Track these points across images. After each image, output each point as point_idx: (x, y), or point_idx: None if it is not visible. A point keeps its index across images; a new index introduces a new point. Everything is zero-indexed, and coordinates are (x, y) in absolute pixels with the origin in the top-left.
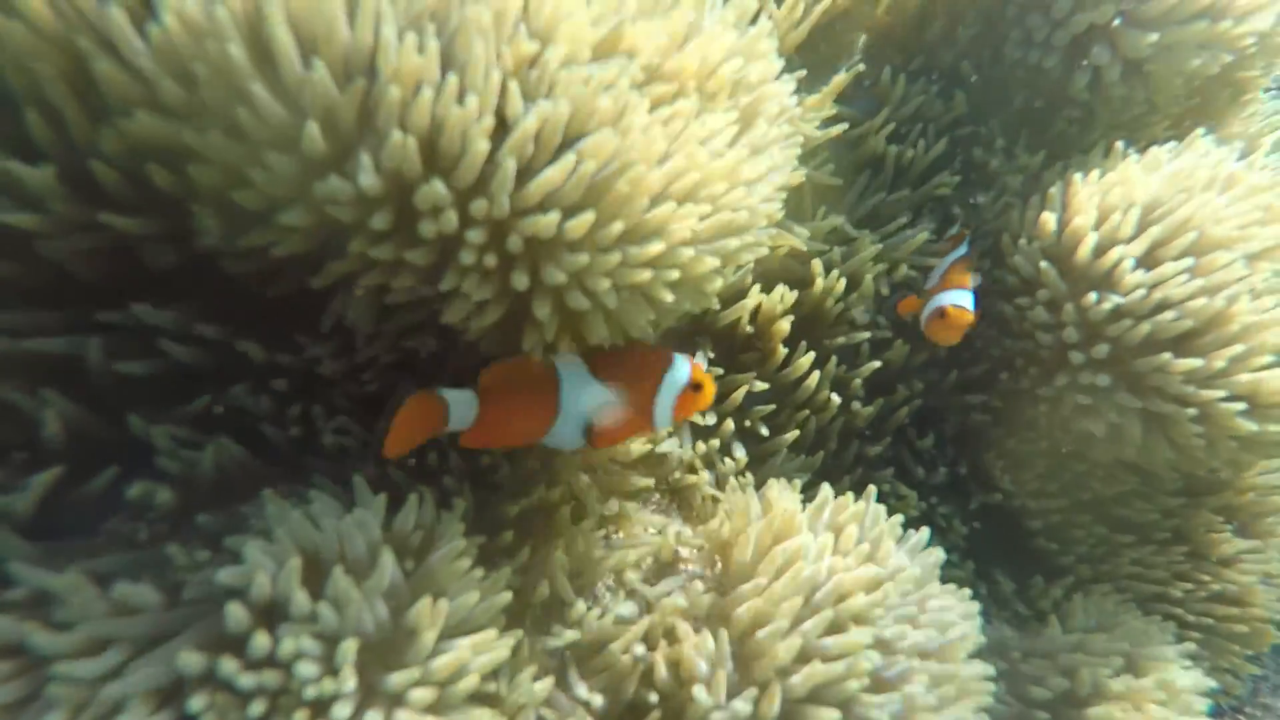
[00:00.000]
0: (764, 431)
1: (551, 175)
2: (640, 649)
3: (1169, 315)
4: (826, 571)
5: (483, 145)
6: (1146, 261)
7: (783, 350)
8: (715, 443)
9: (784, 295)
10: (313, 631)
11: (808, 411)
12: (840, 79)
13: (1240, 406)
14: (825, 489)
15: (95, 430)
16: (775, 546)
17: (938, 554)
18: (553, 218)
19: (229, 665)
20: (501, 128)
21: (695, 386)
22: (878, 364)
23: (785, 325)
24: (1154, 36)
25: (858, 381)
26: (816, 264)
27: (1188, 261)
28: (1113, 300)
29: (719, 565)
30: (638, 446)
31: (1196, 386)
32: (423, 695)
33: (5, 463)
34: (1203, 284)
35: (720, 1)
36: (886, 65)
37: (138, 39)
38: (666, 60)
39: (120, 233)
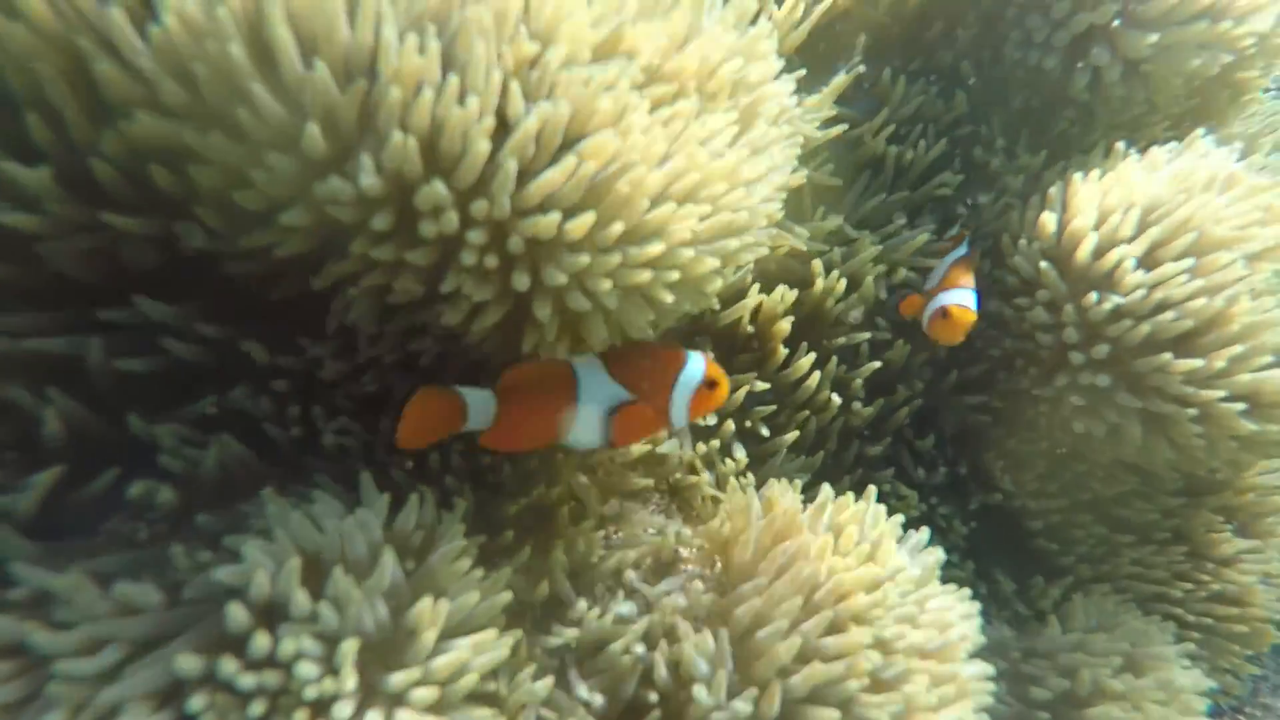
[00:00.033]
0: (764, 432)
1: (552, 176)
2: (640, 648)
3: (1169, 315)
4: (826, 572)
5: (484, 146)
6: (1146, 262)
7: (783, 350)
8: (716, 443)
9: (784, 295)
10: (313, 631)
11: (808, 412)
12: (840, 80)
13: (1240, 406)
14: (825, 489)
15: (96, 430)
16: (776, 546)
17: (938, 554)
18: (553, 218)
19: (229, 665)
20: (502, 128)
21: (710, 384)
22: (878, 364)
23: (786, 325)
24: (1154, 37)
25: (858, 382)
26: (817, 264)
27: (1188, 262)
28: (1113, 300)
29: (719, 565)
30: (638, 446)
31: (1197, 387)
32: (423, 695)
33: (5, 463)
34: (1203, 284)
35: (720, 2)
36: (886, 66)
37: (138, 39)
38: (667, 61)
39: (120, 234)
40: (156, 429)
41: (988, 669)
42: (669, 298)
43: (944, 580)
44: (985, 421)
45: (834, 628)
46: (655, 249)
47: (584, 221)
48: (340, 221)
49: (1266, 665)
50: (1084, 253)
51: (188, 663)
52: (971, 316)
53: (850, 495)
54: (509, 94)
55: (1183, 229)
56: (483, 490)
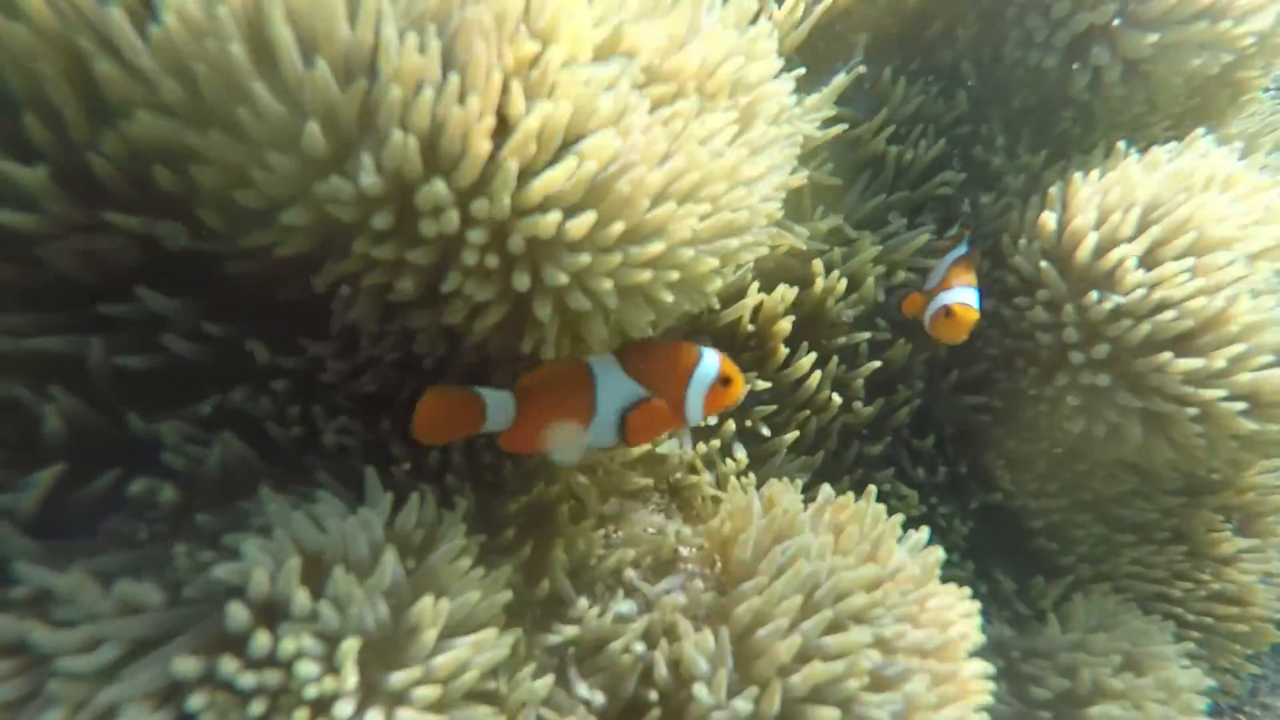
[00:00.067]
0: (765, 431)
1: (553, 175)
2: (640, 647)
3: (1169, 315)
4: (827, 571)
5: (484, 145)
6: (1146, 261)
7: (784, 350)
8: (716, 443)
9: (785, 294)
10: (314, 630)
11: (808, 411)
12: (840, 80)
13: (1241, 406)
14: (826, 489)
15: (96, 428)
16: (776, 545)
17: (938, 553)
18: (554, 218)
19: (229, 665)
20: (502, 128)
21: (725, 380)
22: (878, 364)
23: (786, 325)
24: (1154, 37)
25: (859, 381)
26: (817, 264)
27: (1188, 261)
28: (1113, 300)
29: (719, 564)
30: (638, 445)
31: (1197, 386)
32: (424, 694)
33: (5, 461)
34: (1203, 284)
35: (720, 2)
36: (886, 65)
37: (138, 39)
38: (667, 61)
39: (121, 234)
40: (160, 426)
41: (988, 668)
42: (669, 297)
43: (944, 579)
44: (985, 421)
45: (834, 627)
46: (656, 248)
47: (584, 221)
48: (341, 220)
49: (1266, 664)
50: (1084, 252)
51: (185, 665)
52: (974, 315)
53: (850, 495)
54: (511, 93)
55: (1183, 228)
56: (483, 489)
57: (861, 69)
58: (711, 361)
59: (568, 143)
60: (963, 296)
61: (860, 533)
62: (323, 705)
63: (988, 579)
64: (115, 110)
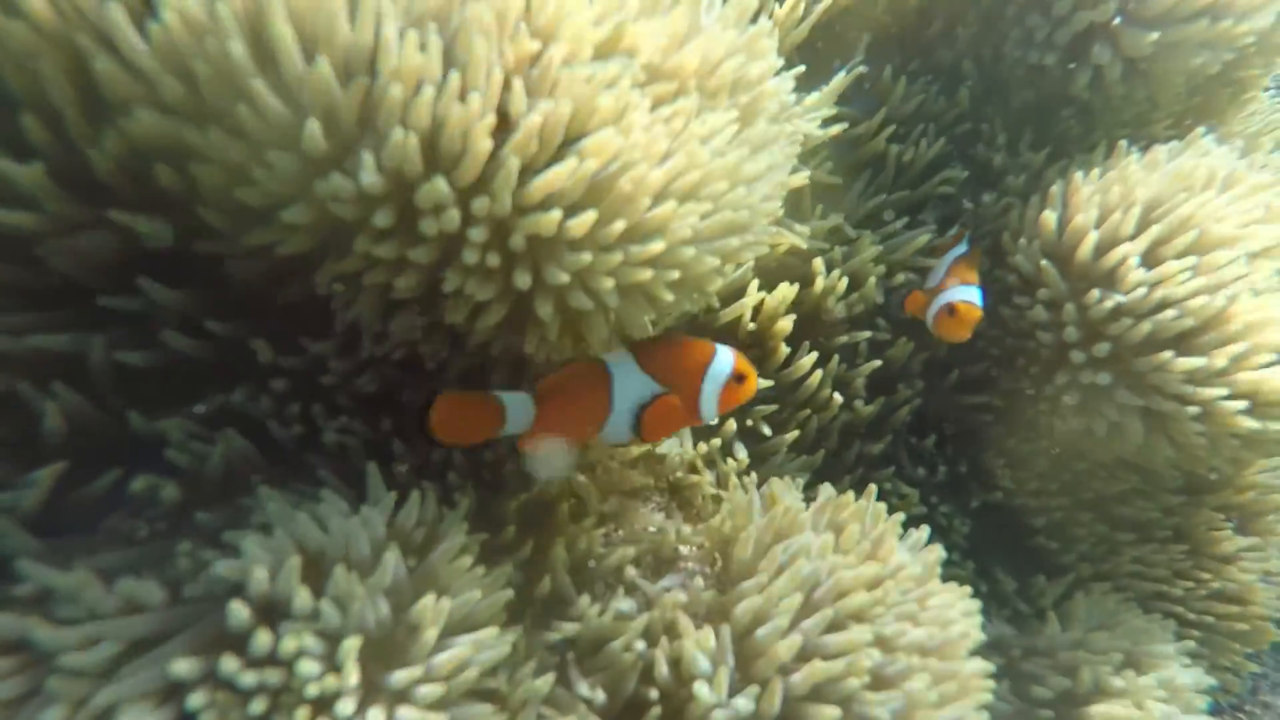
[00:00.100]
0: (766, 431)
1: (554, 174)
2: (641, 645)
3: (1170, 314)
4: (827, 569)
5: (486, 143)
6: (1147, 260)
7: (785, 349)
8: (717, 442)
9: (786, 293)
10: (315, 629)
11: (809, 410)
12: (841, 79)
13: (1241, 405)
14: (827, 487)
15: (97, 425)
16: (777, 544)
17: (938, 551)
18: (555, 216)
19: (230, 663)
20: (502, 126)
21: (739, 377)
22: (878, 363)
23: (787, 324)
24: (1155, 35)
25: (860, 381)
26: (818, 263)
27: (1189, 260)
28: (1114, 299)
29: (719, 563)
30: (638, 445)
31: (1197, 385)
32: (425, 692)
33: (6, 459)
34: (1204, 282)
35: (720, 1)
36: (886, 65)
37: (138, 37)
38: (668, 59)
39: (117, 233)
40: (166, 423)
41: (989, 667)
42: (670, 296)
43: (945, 578)
44: (986, 420)
45: (835, 625)
46: (656, 247)
47: (585, 220)
48: (342, 219)
49: (1266, 663)
50: (1085, 251)
51: (183, 666)
52: (978, 313)
53: (851, 493)
54: (512, 91)
55: (1184, 227)
56: (484, 487)
57: (862, 69)
58: (726, 358)
59: (568, 141)
60: (966, 294)
61: (861, 531)
62: (324, 704)
63: (988, 578)
64: (115, 109)
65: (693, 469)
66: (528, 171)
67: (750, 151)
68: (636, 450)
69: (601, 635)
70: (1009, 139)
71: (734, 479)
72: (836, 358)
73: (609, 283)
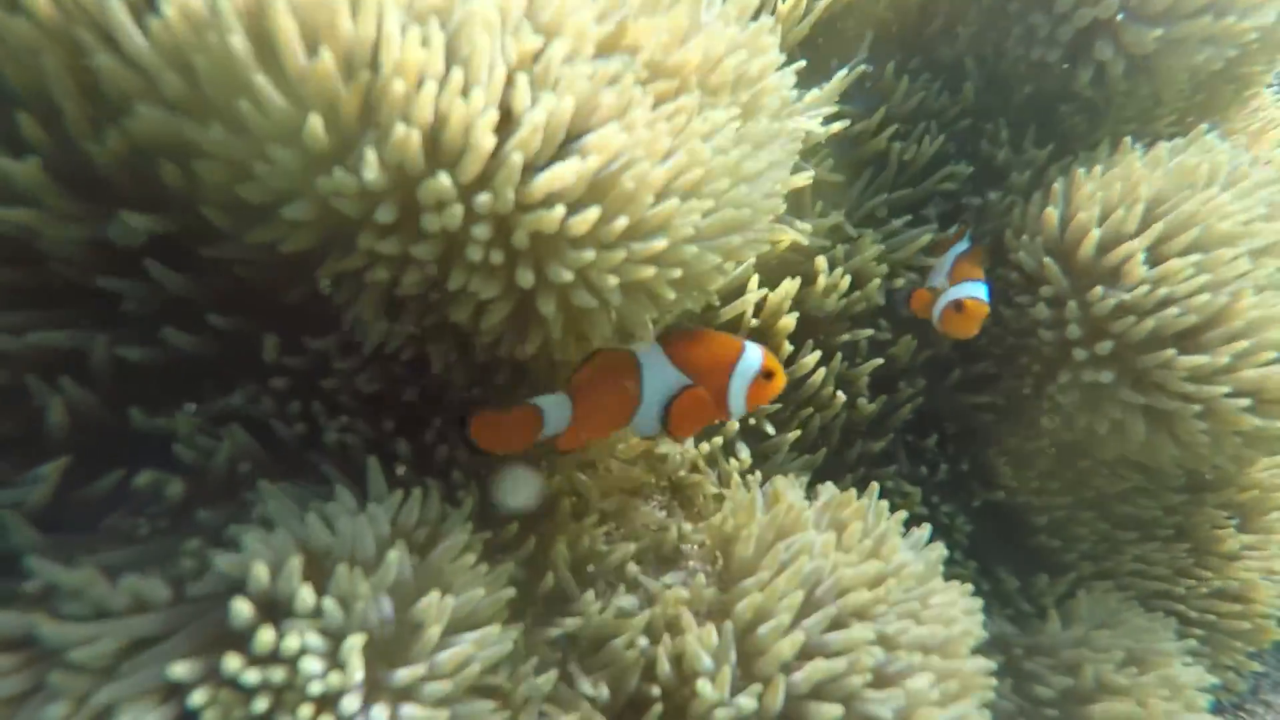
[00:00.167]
0: (769, 429)
1: (557, 171)
2: (643, 641)
3: (1173, 311)
4: (829, 567)
5: (488, 140)
6: (1150, 257)
7: (788, 347)
8: (719, 440)
9: (788, 290)
10: (318, 626)
11: (811, 409)
12: (843, 77)
13: (1245, 402)
14: (829, 486)
15: (100, 422)
16: (779, 542)
17: (940, 550)
18: (557, 213)
19: (233, 661)
20: (505, 122)
21: (768, 374)
22: (880, 361)
23: (790, 321)
24: (1158, 31)
25: (863, 379)
26: (820, 260)
27: (1193, 257)
28: (1116, 296)
29: (721, 561)
30: (638, 442)
31: (1200, 383)
32: (429, 690)
33: (8, 455)
34: (1207, 280)
35: None
36: (888, 62)
37: (138, 31)
38: (669, 56)
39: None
40: (175, 418)
41: (990, 665)
42: (672, 294)
43: (946, 577)
44: (987, 419)
45: (837, 623)
46: (659, 245)
47: (588, 217)
48: (344, 215)
49: (1268, 661)
50: (1088, 248)
51: (182, 668)
52: (985, 309)
53: (853, 492)
54: (516, 87)
55: (1187, 224)
56: (486, 485)
57: (864, 68)
58: (755, 354)
59: (571, 138)
60: (972, 291)
61: (863, 530)
62: (328, 701)
63: (990, 576)
64: (116, 105)
65: (694, 468)
66: (530, 168)
67: (752, 148)
68: (638, 448)
69: (604, 632)
70: (1012, 136)
71: (736, 476)
72: (839, 355)
73: (612, 280)
